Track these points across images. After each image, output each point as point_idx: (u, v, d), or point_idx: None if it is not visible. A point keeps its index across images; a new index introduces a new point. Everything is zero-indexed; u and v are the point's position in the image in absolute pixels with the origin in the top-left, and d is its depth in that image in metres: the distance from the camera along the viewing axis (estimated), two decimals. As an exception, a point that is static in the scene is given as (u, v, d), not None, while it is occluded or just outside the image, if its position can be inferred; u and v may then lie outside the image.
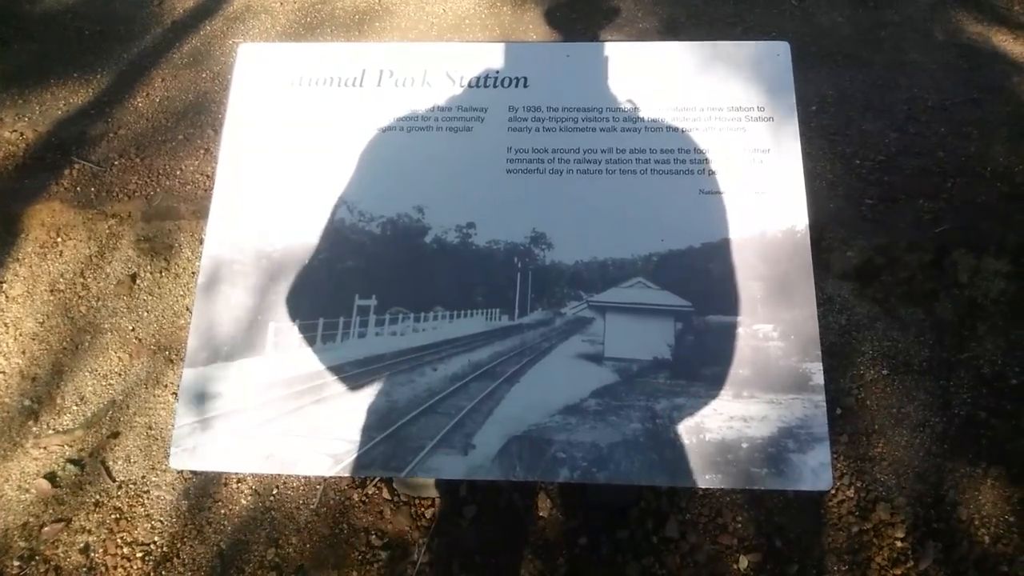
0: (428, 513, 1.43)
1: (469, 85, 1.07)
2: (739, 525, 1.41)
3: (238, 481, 1.51)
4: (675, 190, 0.97)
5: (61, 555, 1.43)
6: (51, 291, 1.83)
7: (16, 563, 1.42)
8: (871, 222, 1.87)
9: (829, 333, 1.66)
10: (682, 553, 1.37)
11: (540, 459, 0.86)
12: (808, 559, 1.36)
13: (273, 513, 1.46)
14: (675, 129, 1.00)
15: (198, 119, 2.21)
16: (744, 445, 0.85)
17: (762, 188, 0.96)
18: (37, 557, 1.43)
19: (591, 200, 0.98)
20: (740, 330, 0.90)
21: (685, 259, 0.94)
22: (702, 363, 0.89)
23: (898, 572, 1.33)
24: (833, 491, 1.44)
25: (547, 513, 1.42)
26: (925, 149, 2.04)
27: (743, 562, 1.36)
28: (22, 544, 1.44)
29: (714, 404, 0.87)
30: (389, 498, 1.45)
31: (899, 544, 1.37)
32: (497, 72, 1.07)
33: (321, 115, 1.07)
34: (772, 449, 0.85)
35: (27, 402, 1.64)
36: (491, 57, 1.08)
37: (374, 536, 1.41)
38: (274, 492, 1.49)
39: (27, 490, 1.52)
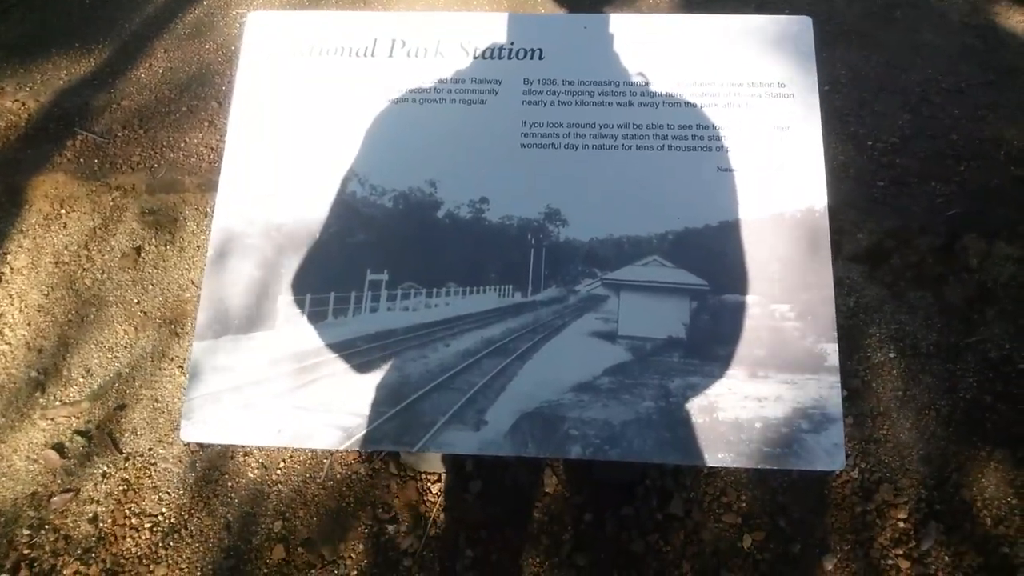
0: (434, 488, 1.44)
1: (483, 56, 1.04)
2: (743, 504, 1.42)
3: (245, 454, 1.52)
4: (692, 167, 0.96)
5: (70, 524, 1.44)
6: (55, 263, 1.82)
7: (26, 532, 1.43)
8: (882, 205, 1.85)
9: (838, 315, 1.64)
10: (686, 531, 1.38)
11: (552, 436, 0.86)
12: (811, 538, 1.38)
13: (280, 486, 1.47)
14: (693, 104, 0.99)
15: (202, 91, 2.17)
16: (758, 425, 0.85)
17: (781, 166, 0.95)
18: (46, 526, 1.44)
19: (607, 176, 0.97)
20: (756, 310, 0.89)
21: (701, 237, 0.93)
22: (717, 342, 0.88)
23: (900, 552, 1.35)
24: (837, 472, 1.45)
25: (553, 489, 1.43)
26: (939, 132, 2.01)
27: (747, 540, 1.37)
28: (31, 513, 1.46)
29: (728, 383, 0.86)
30: (396, 472, 1.46)
31: (901, 525, 1.38)
32: (512, 43, 1.05)
33: (331, 86, 1.05)
34: (786, 429, 0.84)
35: (33, 374, 1.65)
36: (506, 28, 1.06)
37: (380, 510, 1.42)
38: (281, 466, 1.50)
39: (35, 460, 1.53)
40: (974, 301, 1.67)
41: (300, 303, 0.94)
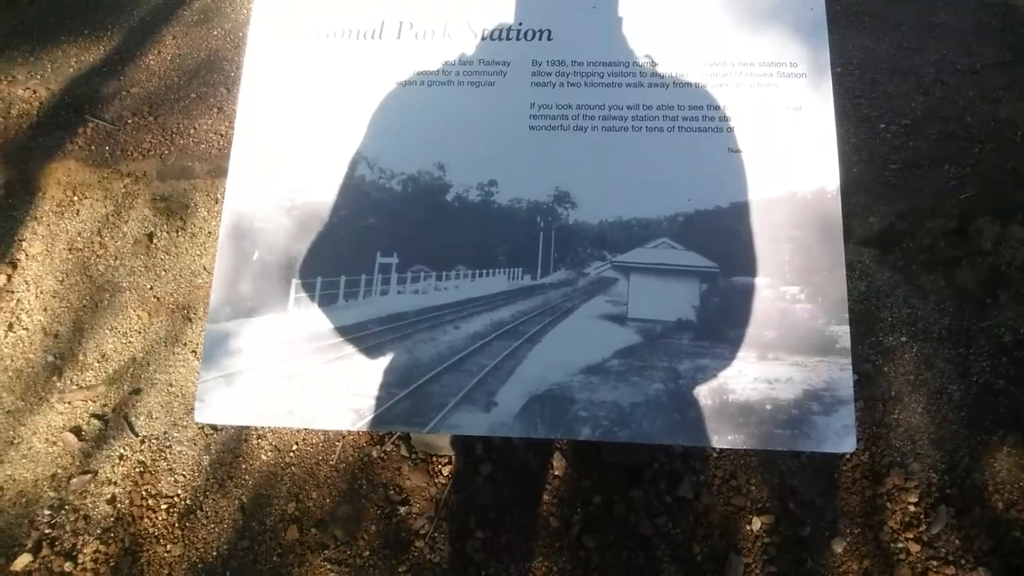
0: (445, 470, 1.46)
1: (491, 38, 1.04)
2: (753, 487, 1.42)
3: (258, 437, 1.54)
4: (703, 148, 0.95)
5: (89, 505, 1.47)
6: (69, 250, 1.84)
7: (47, 512, 1.46)
8: (894, 187, 1.83)
9: (849, 299, 1.63)
10: (695, 513, 1.39)
11: (562, 417, 0.87)
12: (821, 522, 1.38)
13: (293, 468, 1.49)
14: (704, 85, 0.98)
15: (210, 77, 2.18)
16: (768, 407, 0.85)
17: (793, 147, 0.94)
18: (66, 507, 1.47)
19: (616, 158, 0.96)
20: (767, 292, 0.89)
21: (712, 219, 0.92)
22: (727, 325, 0.88)
23: (910, 536, 1.35)
24: (848, 455, 1.45)
25: (562, 472, 1.44)
26: (952, 113, 1.98)
27: (756, 523, 1.38)
28: (52, 494, 1.49)
29: (738, 366, 0.86)
30: (407, 455, 1.47)
31: (912, 508, 1.38)
32: (520, 24, 1.04)
33: (339, 68, 1.04)
34: (796, 411, 0.84)
35: (50, 358, 1.67)
36: (514, 9, 1.05)
37: (392, 492, 1.44)
38: (294, 448, 1.52)
39: (54, 443, 1.55)
40: (987, 284, 1.65)
41: (311, 286, 0.95)
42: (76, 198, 1.94)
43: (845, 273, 0.88)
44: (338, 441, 1.51)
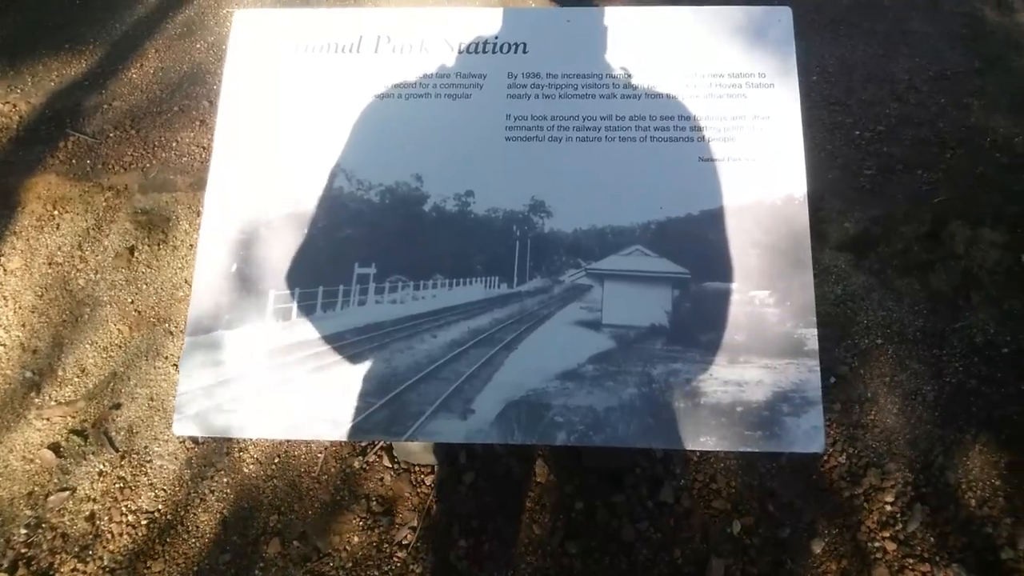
0: (428, 480, 1.46)
1: (468, 51, 1.06)
2: (733, 490, 1.44)
3: (240, 450, 1.53)
4: (674, 157, 0.97)
5: (67, 523, 1.45)
6: (49, 264, 1.83)
7: (23, 531, 1.44)
8: (869, 193, 1.87)
9: (825, 303, 1.67)
10: (676, 517, 1.40)
11: (538, 423, 0.88)
12: (799, 523, 1.40)
13: (275, 481, 1.49)
14: (675, 96, 1.00)
15: (193, 90, 2.18)
16: (739, 409, 0.86)
17: (762, 155, 0.96)
18: (44, 525, 1.45)
19: (590, 168, 0.98)
20: (737, 296, 0.90)
21: (683, 227, 0.94)
22: (699, 329, 0.90)
23: (886, 535, 1.37)
24: (825, 457, 1.47)
25: (544, 479, 1.45)
26: (925, 119, 2.03)
27: (736, 526, 1.39)
28: (28, 512, 1.47)
29: (710, 369, 0.88)
30: (389, 465, 1.47)
31: (888, 508, 1.40)
32: (496, 38, 1.06)
33: (318, 82, 1.06)
34: (766, 413, 0.86)
35: (28, 374, 1.66)
36: (490, 23, 1.07)
37: (375, 502, 1.44)
38: (276, 460, 1.51)
39: (31, 460, 1.54)
40: (960, 287, 1.69)
41: (289, 297, 0.95)
42: (56, 212, 1.93)
43: (812, 277, 0.90)
44: (320, 453, 1.51)
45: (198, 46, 2.30)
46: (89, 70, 2.26)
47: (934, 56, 2.19)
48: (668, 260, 0.93)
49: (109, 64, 2.27)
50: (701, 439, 0.86)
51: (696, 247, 0.93)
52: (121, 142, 2.06)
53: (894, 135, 1.99)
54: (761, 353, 0.88)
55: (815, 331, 0.88)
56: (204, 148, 2.04)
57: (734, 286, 0.91)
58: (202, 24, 2.37)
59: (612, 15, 1.06)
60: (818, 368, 0.87)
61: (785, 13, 1.04)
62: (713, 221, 0.94)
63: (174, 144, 2.05)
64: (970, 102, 2.05)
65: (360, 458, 1.49)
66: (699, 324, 0.90)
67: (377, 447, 1.50)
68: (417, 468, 1.47)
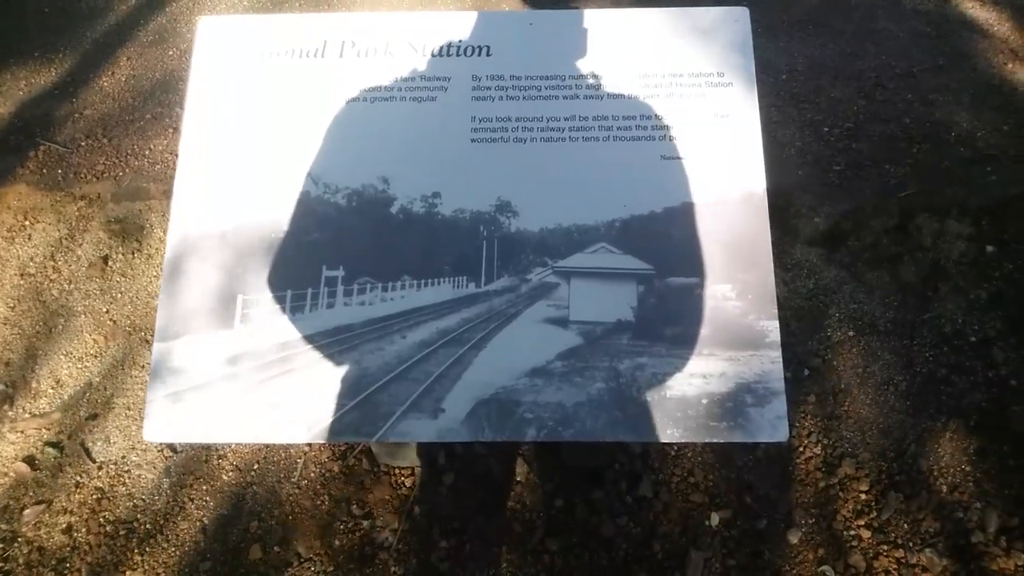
0: (408, 482, 1.46)
1: (432, 54, 1.06)
2: (710, 483, 1.45)
3: (219, 457, 1.52)
4: (637, 156, 0.99)
5: (44, 536, 1.44)
6: (21, 275, 1.81)
7: (-2, 545, 1.43)
8: (839, 188, 1.90)
9: (797, 297, 1.70)
10: (655, 512, 1.41)
11: (508, 420, 0.89)
12: (776, 514, 1.42)
13: (255, 487, 1.48)
14: (636, 96, 1.02)
15: (165, 98, 2.17)
16: (704, 400, 0.88)
17: (722, 153, 0.98)
18: (19, 539, 1.44)
19: (555, 167, 0.99)
20: (700, 291, 0.92)
21: (647, 224, 0.96)
22: (663, 324, 0.92)
23: (862, 523, 1.39)
24: (801, 448, 1.49)
25: (524, 478, 1.46)
26: (892, 116, 2.07)
27: (714, 519, 1.41)
28: (3, 527, 1.45)
29: (675, 363, 0.90)
30: (369, 469, 1.47)
31: (863, 497, 1.43)
32: (460, 41, 1.07)
33: (283, 88, 1.06)
34: (731, 404, 0.88)
35: (1, 387, 1.64)
36: (453, 26, 1.08)
37: (355, 506, 1.44)
38: (255, 467, 1.51)
39: (5, 474, 1.52)
40: (928, 279, 1.72)
41: (256, 302, 0.95)
42: (28, 223, 1.91)
43: (773, 270, 0.92)
44: (299, 458, 1.50)
45: (170, 53, 2.29)
46: (59, 78, 2.24)
47: (900, 54, 2.24)
48: (633, 257, 0.94)
49: (80, 72, 2.25)
50: (668, 431, 0.87)
51: (660, 243, 0.94)
52: (93, 151, 2.05)
53: (862, 131, 2.03)
54: (725, 346, 0.90)
55: (776, 323, 0.90)
56: (177, 156, 2.02)
57: (697, 281, 0.92)
58: (174, 31, 2.36)
59: (574, 17, 1.08)
60: (780, 359, 0.89)
61: (743, 13, 1.06)
62: (676, 218, 0.95)
63: (147, 152, 2.04)
64: (935, 98, 2.10)
65: (340, 462, 1.49)
66: (664, 319, 0.92)
67: (357, 450, 1.50)
68: (397, 470, 1.48)
